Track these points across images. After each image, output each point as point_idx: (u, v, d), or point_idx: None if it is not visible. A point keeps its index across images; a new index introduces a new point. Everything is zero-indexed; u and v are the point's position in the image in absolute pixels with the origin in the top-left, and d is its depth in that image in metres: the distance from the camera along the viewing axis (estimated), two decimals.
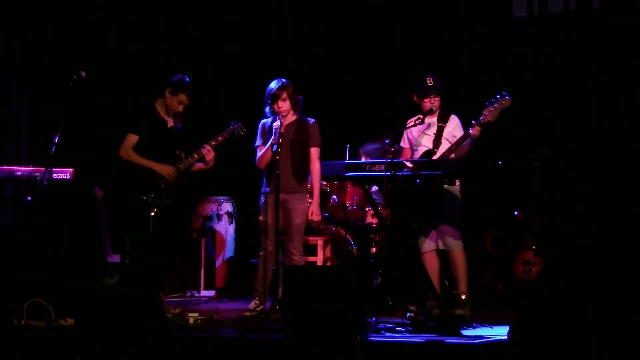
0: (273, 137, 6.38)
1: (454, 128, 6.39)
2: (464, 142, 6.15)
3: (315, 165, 6.60)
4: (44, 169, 6.20)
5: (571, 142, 7.60)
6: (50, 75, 7.93)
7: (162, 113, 6.38)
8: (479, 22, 8.26)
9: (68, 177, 6.95)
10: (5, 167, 6.89)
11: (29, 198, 6.73)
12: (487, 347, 5.10)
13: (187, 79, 6.36)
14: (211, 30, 8.86)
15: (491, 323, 5.78)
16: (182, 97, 6.32)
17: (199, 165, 6.49)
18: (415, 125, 6.32)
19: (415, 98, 6.42)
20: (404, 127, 6.34)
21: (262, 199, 6.61)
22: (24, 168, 6.87)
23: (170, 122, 6.42)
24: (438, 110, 6.42)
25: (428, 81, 6.36)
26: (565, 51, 7.89)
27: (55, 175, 6.66)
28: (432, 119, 6.41)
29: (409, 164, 5.81)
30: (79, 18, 8.19)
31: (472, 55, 8.12)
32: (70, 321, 5.61)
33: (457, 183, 6.32)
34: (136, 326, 4.92)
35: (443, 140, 6.35)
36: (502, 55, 8.11)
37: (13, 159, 7.68)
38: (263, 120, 6.65)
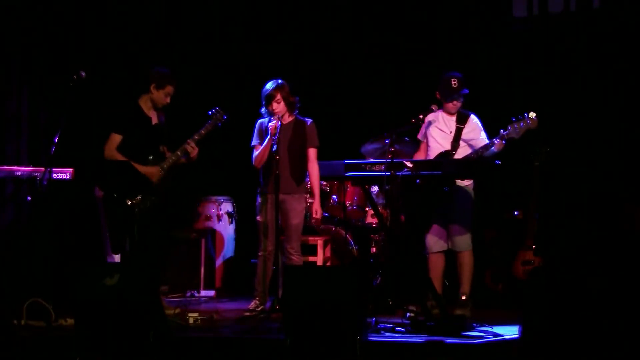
0: (270, 137, 6.37)
1: (471, 130, 6.37)
2: (486, 152, 6.14)
3: (314, 167, 6.57)
4: (44, 169, 6.18)
5: (571, 142, 7.60)
6: (50, 75, 7.92)
7: (146, 110, 6.34)
8: (479, 22, 8.26)
9: (68, 177, 6.93)
10: (5, 167, 6.87)
11: (29, 198, 6.71)
12: (487, 347, 5.11)
13: (166, 69, 6.34)
14: (203, 26, 8.84)
15: (491, 323, 5.78)
16: (169, 89, 6.30)
17: (182, 160, 6.43)
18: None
19: (437, 95, 6.41)
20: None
21: (259, 199, 6.60)
22: (24, 168, 6.85)
23: (155, 119, 6.37)
24: (457, 111, 6.42)
25: (452, 82, 6.31)
26: (565, 51, 7.89)
27: (55, 175, 6.64)
28: (451, 119, 6.41)
29: (409, 164, 5.80)
30: (79, 18, 8.18)
31: (472, 55, 8.11)
32: (70, 321, 5.62)
33: (472, 182, 6.31)
34: (136, 326, 4.92)
35: (461, 142, 6.33)
36: (502, 56, 8.11)
37: (13, 159, 7.67)
38: (260, 120, 6.63)
